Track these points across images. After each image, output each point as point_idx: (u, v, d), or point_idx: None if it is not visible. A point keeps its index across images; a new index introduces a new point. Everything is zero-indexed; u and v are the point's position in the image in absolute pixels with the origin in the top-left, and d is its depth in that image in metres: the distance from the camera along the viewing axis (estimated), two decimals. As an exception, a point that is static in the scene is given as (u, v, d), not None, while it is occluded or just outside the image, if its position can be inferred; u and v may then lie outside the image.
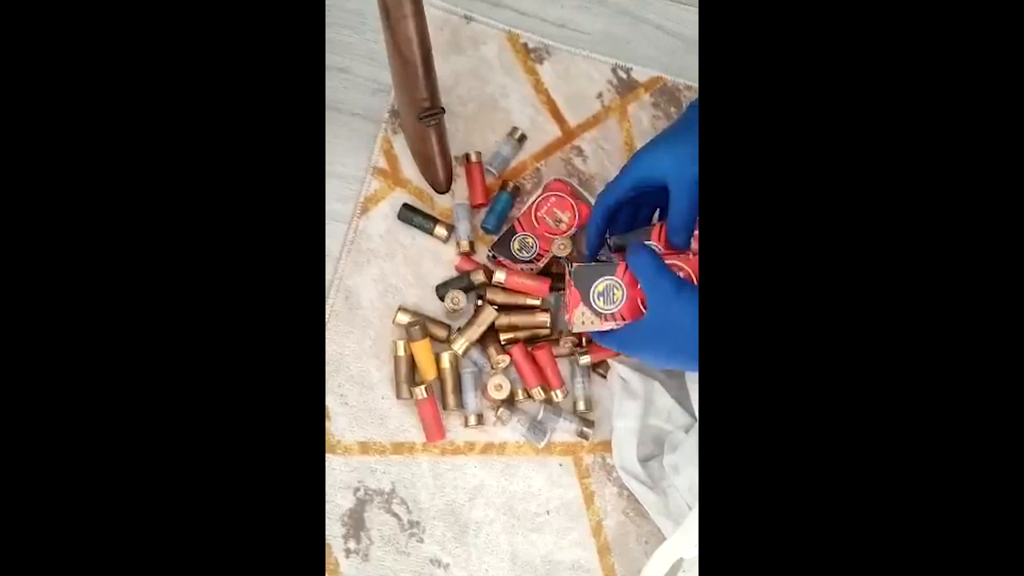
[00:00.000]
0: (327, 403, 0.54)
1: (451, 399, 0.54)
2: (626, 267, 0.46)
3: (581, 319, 0.47)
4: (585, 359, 0.55)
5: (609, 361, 0.56)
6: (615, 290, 0.46)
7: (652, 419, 0.53)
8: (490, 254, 0.57)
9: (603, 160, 0.62)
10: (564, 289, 0.52)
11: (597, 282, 0.46)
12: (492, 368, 0.55)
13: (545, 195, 0.57)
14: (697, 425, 0.51)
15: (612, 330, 0.47)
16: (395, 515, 0.53)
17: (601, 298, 0.46)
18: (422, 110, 0.51)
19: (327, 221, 0.58)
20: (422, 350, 0.54)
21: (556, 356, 0.56)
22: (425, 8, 0.63)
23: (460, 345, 0.54)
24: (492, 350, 0.55)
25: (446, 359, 0.54)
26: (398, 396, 0.55)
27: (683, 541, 0.47)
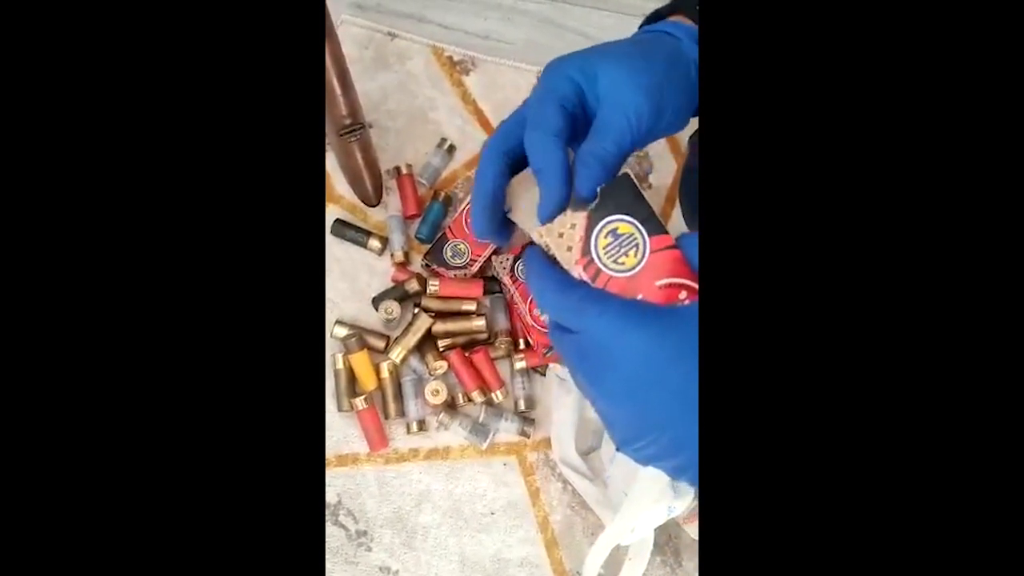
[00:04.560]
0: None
1: (392, 407, 0.55)
2: (674, 243, 0.32)
3: (555, 231, 0.31)
4: (520, 364, 0.56)
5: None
6: (633, 250, 0.31)
7: (589, 412, 0.55)
8: (424, 262, 0.58)
9: (533, 165, 0.64)
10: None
11: (619, 219, 0.31)
12: (431, 374, 0.56)
13: (474, 202, 0.59)
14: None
15: (563, 283, 0.31)
16: (342, 526, 0.54)
17: (610, 241, 0.30)
18: (343, 127, 0.53)
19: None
20: (360, 361, 0.55)
21: (493, 358, 0.57)
22: (348, 27, 0.65)
23: (397, 354, 0.55)
24: (430, 357, 0.56)
25: (385, 369, 0.55)
26: (339, 408, 0.56)
27: (620, 528, 0.48)
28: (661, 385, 0.27)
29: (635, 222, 0.31)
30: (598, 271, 0.31)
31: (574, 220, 0.31)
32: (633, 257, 0.31)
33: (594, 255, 0.31)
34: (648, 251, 0.31)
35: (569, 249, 0.31)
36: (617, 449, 0.31)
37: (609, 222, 0.31)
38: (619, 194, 0.32)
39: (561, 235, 0.32)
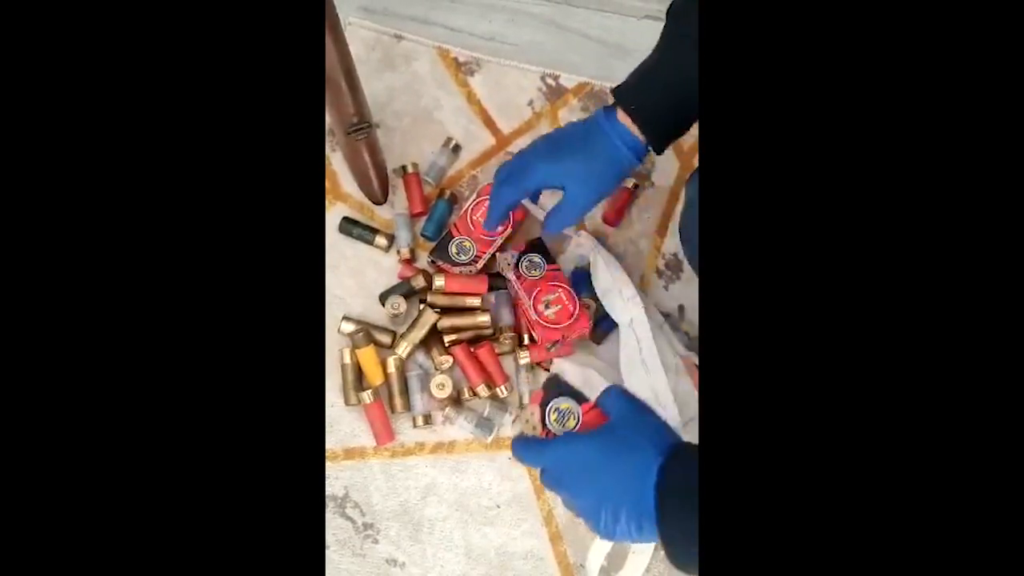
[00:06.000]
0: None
1: (398, 402, 0.56)
2: (594, 405, 0.46)
3: (522, 420, 0.49)
4: (525, 359, 0.57)
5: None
6: (572, 418, 0.47)
7: (592, 407, 0.55)
8: (430, 259, 0.59)
9: (536, 164, 0.64)
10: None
11: (560, 400, 0.47)
12: (436, 369, 0.57)
13: (479, 200, 0.60)
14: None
15: (542, 441, 0.46)
16: (349, 519, 0.55)
17: (556, 416, 0.47)
18: (350, 125, 0.54)
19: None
20: (367, 356, 0.56)
21: (498, 353, 0.58)
22: (356, 29, 0.66)
23: (403, 348, 0.56)
24: (435, 352, 0.57)
25: (392, 363, 0.56)
26: (347, 403, 0.56)
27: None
28: (605, 469, 0.41)
29: (570, 400, 0.48)
30: (555, 435, 0.47)
31: (532, 411, 0.49)
32: (573, 421, 0.47)
33: (549, 426, 0.47)
34: (581, 415, 0.47)
35: (534, 428, 0.49)
36: (594, 530, 0.43)
37: (553, 406, 0.47)
38: (556, 387, 0.49)
39: (527, 421, 0.50)
